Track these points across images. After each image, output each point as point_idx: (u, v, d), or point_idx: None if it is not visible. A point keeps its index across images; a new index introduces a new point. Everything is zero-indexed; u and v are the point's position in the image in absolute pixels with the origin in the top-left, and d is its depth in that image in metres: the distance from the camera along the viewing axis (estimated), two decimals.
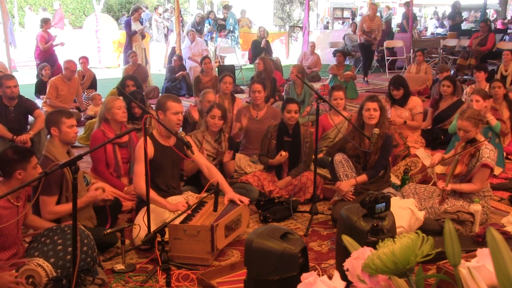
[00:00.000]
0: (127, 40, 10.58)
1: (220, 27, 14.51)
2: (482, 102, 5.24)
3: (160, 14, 15.97)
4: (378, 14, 11.84)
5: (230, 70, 10.88)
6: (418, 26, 18.59)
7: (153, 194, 3.62)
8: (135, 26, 10.33)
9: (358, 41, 11.42)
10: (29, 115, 5.79)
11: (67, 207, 3.41)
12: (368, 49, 11.20)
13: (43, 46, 9.88)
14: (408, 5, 15.09)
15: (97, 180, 4.33)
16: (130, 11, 10.80)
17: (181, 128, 5.93)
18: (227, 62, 13.73)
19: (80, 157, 2.57)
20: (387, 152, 4.25)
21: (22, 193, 3.10)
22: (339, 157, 4.19)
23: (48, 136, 3.81)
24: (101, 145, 3.75)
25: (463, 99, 6.75)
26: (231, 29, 14.38)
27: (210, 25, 14.41)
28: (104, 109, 4.45)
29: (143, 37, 10.62)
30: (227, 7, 15.21)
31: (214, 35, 14.33)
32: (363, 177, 4.14)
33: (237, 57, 14.03)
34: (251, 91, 5.70)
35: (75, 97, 7.85)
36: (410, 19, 14.61)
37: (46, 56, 9.91)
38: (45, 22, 10.22)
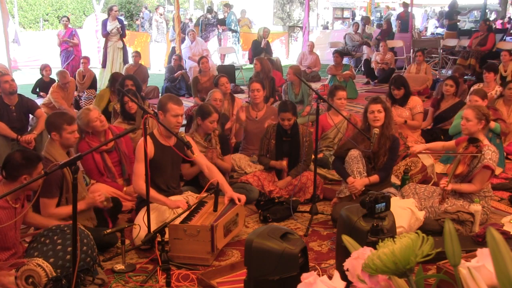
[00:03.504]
0: (104, 41, 10.62)
1: (220, 22, 14.49)
2: (481, 102, 5.24)
3: (161, 14, 15.97)
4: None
5: (229, 70, 10.89)
6: (417, 26, 18.59)
7: (153, 192, 3.63)
8: (111, 25, 10.30)
9: (375, 69, 11.51)
10: (30, 114, 5.79)
11: (67, 209, 3.40)
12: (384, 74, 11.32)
13: (58, 42, 10.72)
14: (406, 5, 15.10)
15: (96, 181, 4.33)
16: (107, 12, 10.87)
17: (184, 128, 5.95)
18: (226, 61, 13.77)
19: (80, 157, 2.57)
20: (395, 154, 4.25)
21: (21, 195, 3.09)
22: (355, 153, 4.14)
23: (49, 136, 3.80)
24: (86, 153, 3.39)
25: (467, 100, 6.74)
26: (235, 29, 14.39)
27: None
28: (81, 124, 4.32)
29: (122, 36, 10.55)
30: (228, 6, 15.22)
31: (218, 31, 14.31)
32: (375, 178, 4.11)
33: (237, 57, 14.03)
34: (250, 90, 5.72)
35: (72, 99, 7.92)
36: (410, 19, 14.62)
37: (62, 51, 10.64)
38: (63, 19, 11.15)
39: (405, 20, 14.80)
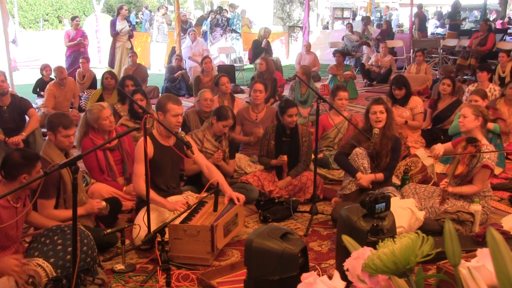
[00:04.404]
0: (112, 41, 10.59)
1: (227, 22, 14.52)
2: (481, 102, 5.24)
3: (164, 14, 15.96)
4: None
5: (230, 70, 10.88)
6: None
7: (152, 193, 3.62)
8: (121, 25, 10.30)
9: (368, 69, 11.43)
10: (25, 115, 5.75)
11: (66, 213, 3.39)
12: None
13: (66, 43, 10.52)
14: (420, 6, 15.32)
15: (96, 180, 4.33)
16: (116, 11, 10.85)
17: (180, 129, 5.95)
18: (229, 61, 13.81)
19: (80, 157, 2.57)
20: (397, 154, 4.26)
21: (22, 194, 3.09)
22: (360, 150, 4.16)
23: (46, 137, 3.79)
24: (87, 152, 3.31)
25: (464, 98, 6.76)
26: (236, 29, 14.43)
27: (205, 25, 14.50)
28: (90, 118, 4.33)
29: (130, 36, 10.57)
30: (233, 6, 15.26)
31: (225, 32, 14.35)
32: (380, 175, 4.13)
33: (237, 56, 14.04)
34: (252, 90, 5.69)
35: (73, 99, 7.73)
36: (410, 19, 14.66)
37: (71, 53, 10.43)
38: (73, 20, 10.93)
39: (423, 19, 14.98)
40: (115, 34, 10.28)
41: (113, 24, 10.35)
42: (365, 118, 4.30)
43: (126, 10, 10.53)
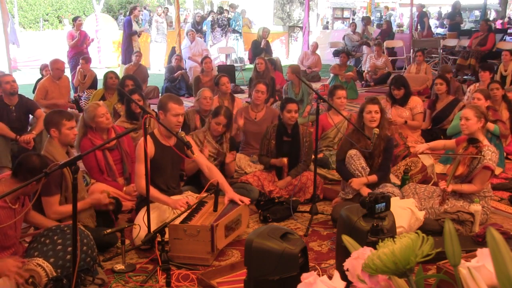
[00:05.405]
0: (127, 39, 10.58)
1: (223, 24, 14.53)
2: (483, 101, 5.25)
3: (160, 15, 15.97)
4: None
5: (230, 70, 10.88)
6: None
7: (154, 191, 3.63)
8: (135, 26, 10.37)
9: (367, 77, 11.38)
10: (30, 115, 5.78)
11: (71, 208, 3.39)
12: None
13: (70, 43, 10.41)
14: (422, 6, 15.37)
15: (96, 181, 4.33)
16: (129, 10, 10.87)
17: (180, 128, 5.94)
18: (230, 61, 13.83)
19: (80, 157, 2.57)
20: (390, 154, 4.25)
21: (21, 195, 3.08)
22: (354, 151, 4.15)
23: (48, 136, 3.80)
24: (87, 152, 3.42)
25: (465, 98, 6.75)
26: (237, 29, 14.44)
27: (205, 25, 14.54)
28: (87, 117, 4.37)
29: (138, 37, 10.66)
30: (233, 6, 15.27)
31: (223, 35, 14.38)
32: (373, 177, 4.11)
33: (238, 57, 14.03)
34: (255, 90, 5.69)
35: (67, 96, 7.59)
36: (410, 18, 14.66)
37: (75, 54, 10.27)
38: (75, 20, 10.81)
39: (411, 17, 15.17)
40: (132, 33, 10.31)
41: (129, 23, 10.38)
42: (359, 117, 4.29)
43: (139, 11, 10.62)
